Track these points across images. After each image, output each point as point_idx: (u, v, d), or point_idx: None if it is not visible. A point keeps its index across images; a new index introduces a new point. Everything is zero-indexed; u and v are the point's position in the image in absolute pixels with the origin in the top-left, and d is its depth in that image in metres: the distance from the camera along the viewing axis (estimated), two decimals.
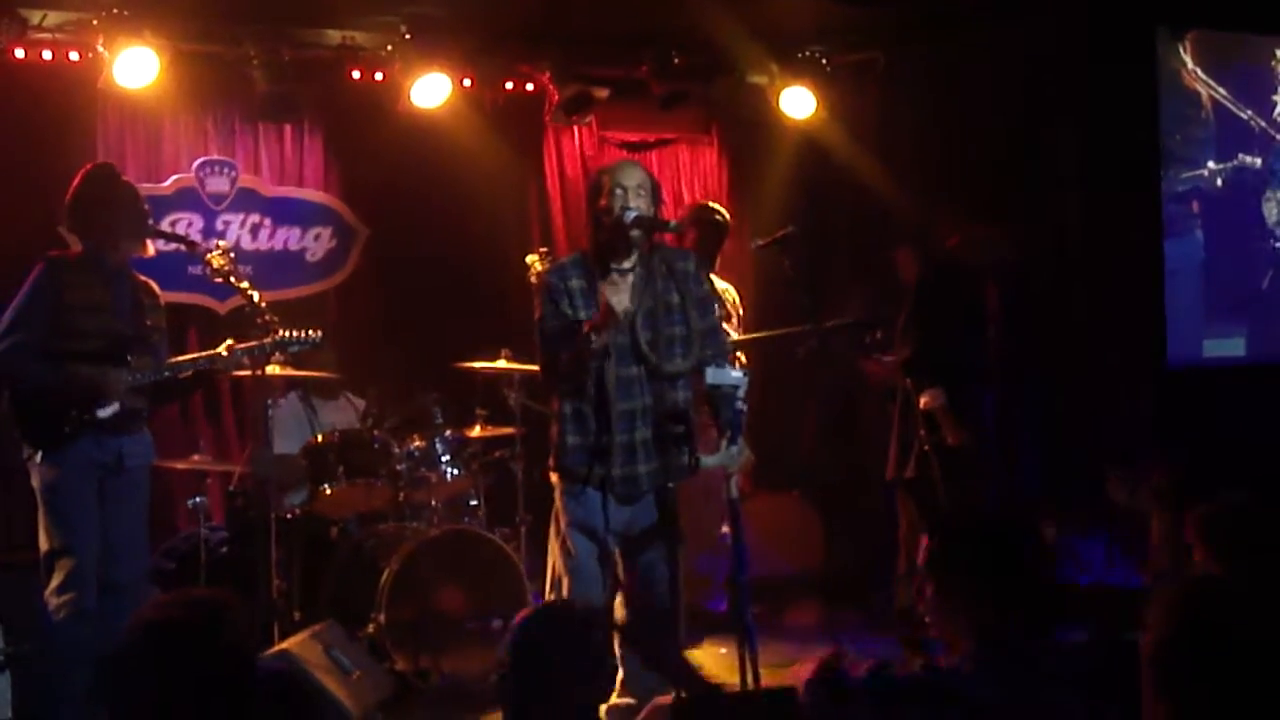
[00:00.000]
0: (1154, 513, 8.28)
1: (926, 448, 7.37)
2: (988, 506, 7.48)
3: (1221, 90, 10.35)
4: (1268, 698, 2.81)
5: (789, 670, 7.25)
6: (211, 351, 6.60)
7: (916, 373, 7.58)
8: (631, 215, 5.73)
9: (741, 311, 8.33)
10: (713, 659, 7.65)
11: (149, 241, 6.56)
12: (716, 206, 8.38)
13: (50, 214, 6.91)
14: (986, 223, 8.04)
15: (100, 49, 7.90)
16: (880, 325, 7.90)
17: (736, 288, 8.40)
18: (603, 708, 5.95)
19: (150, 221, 6.61)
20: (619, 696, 6.01)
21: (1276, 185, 10.56)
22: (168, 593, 7.28)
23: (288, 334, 6.65)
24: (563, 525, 5.84)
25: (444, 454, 7.72)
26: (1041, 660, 3.51)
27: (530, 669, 3.75)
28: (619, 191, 5.74)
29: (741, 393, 5.57)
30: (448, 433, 7.78)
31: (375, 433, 7.86)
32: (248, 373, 6.83)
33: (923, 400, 7.53)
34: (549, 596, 5.91)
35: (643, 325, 5.75)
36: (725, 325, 7.97)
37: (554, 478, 5.93)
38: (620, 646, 5.95)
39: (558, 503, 5.89)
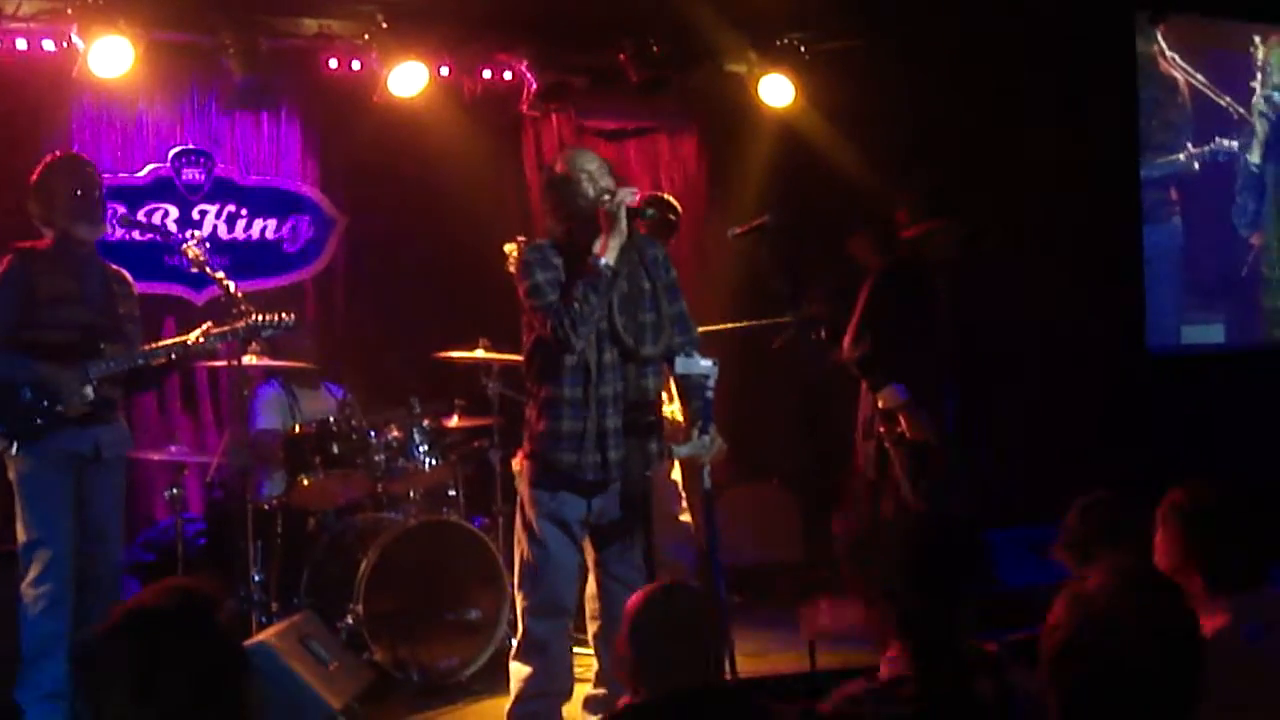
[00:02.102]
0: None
1: (888, 444, 7.37)
2: (949, 502, 7.50)
3: (1199, 76, 10.36)
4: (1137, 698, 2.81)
5: (765, 660, 7.31)
6: (184, 337, 6.58)
7: (871, 372, 7.57)
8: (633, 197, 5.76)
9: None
10: None
11: (108, 223, 6.56)
12: (671, 201, 8.34)
13: (24, 205, 6.87)
14: (945, 211, 8.01)
15: (75, 38, 7.86)
16: (826, 323, 7.85)
17: (711, 277, 8.45)
18: (580, 698, 5.98)
19: (104, 205, 6.57)
20: (595, 687, 6.01)
21: (1248, 181, 10.59)
22: (149, 583, 7.36)
23: (261, 318, 6.63)
24: (530, 515, 5.80)
25: (422, 444, 7.69)
26: (974, 661, 3.51)
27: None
28: (586, 176, 5.74)
29: (711, 382, 5.58)
30: (426, 423, 7.75)
31: (353, 423, 7.84)
32: (224, 362, 6.83)
33: (880, 400, 7.52)
34: (519, 590, 5.89)
35: (619, 309, 5.74)
36: None
37: (524, 465, 5.90)
38: (594, 638, 5.95)
39: (525, 492, 5.84)
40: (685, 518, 8.07)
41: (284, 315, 6.73)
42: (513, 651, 5.92)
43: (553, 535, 5.76)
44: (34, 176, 6.46)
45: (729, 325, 8.29)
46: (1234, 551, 3.96)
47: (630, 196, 5.69)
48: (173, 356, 6.57)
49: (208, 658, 2.99)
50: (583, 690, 6.05)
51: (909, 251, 7.78)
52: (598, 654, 5.95)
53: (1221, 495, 4.06)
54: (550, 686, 5.80)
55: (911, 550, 3.66)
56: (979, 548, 3.68)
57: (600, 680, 5.98)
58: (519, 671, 5.82)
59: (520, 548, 5.87)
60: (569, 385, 5.70)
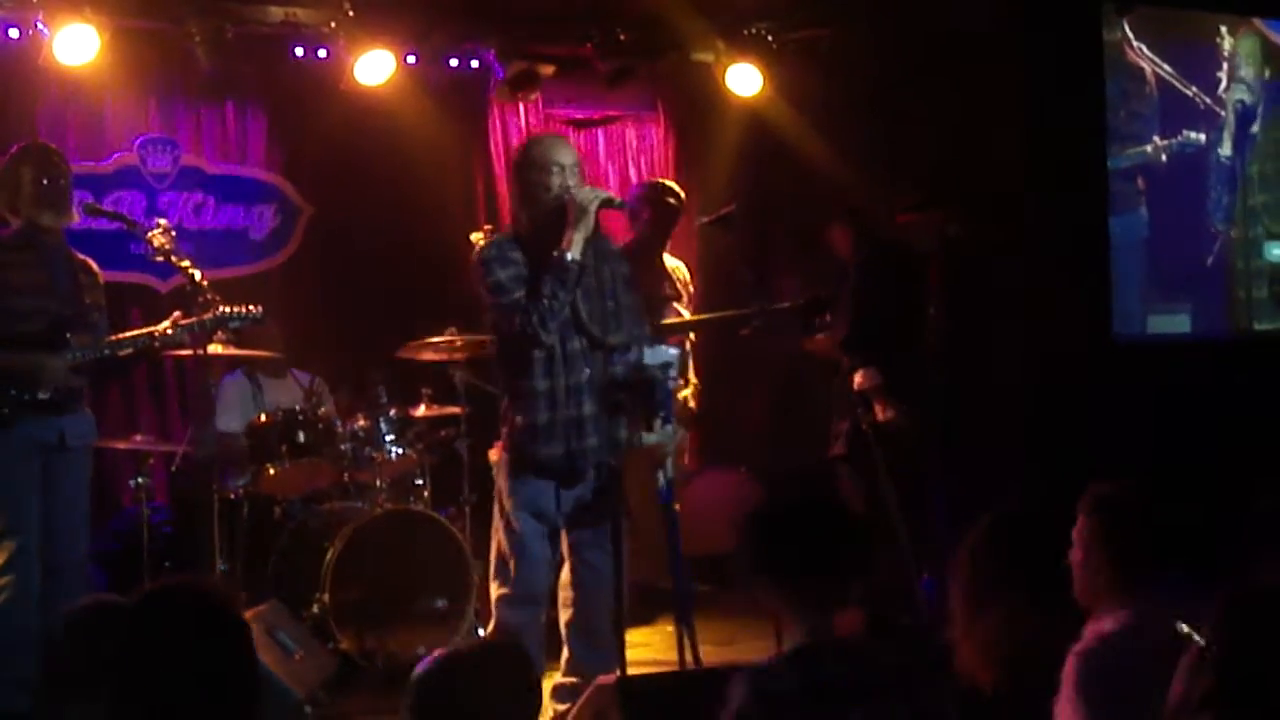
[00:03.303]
0: None
1: (864, 426, 7.38)
2: (920, 488, 7.55)
3: (1166, 67, 10.37)
4: None
5: (732, 648, 7.32)
6: (151, 328, 6.57)
7: (851, 352, 7.60)
8: (601, 196, 5.80)
9: (691, 290, 8.34)
10: (663, 637, 7.69)
11: (74, 210, 6.54)
12: (672, 186, 8.34)
13: None
14: (931, 200, 8.05)
15: (40, 26, 7.82)
16: (828, 307, 7.89)
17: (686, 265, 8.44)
18: (548, 686, 5.98)
19: (71, 194, 6.53)
20: (564, 675, 6.02)
21: (1217, 172, 10.61)
22: (114, 572, 7.34)
23: (228, 310, 6.62)
24: (508, 507, 5.83)
25: (389, 433, 7.69)
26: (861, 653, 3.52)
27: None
28: (556, 169, 5.76)
29: (674, 371, 5.60)
30: (392, 412, 7.75)
31: (319, 412, 7.83)
32: (189, 352, 6.82)
33: (856, 380, 7.55)
34: (493, 579, 5.91)
35: (583, 299, 5.77)
36: (676, 304, 8.01)
37: (501, 457, 5.92)
38: (566, 626, 5.97)
39: (502, 484, 5.88)
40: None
41: (251, 307, 6.71)
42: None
43: (529, 527, 5.80)
44: (2, 165, 6.43)
45: (700, 317, 8.28)
46: (1142, 544, 3.97)
47: (594, 200, 5.73)
48: (139, 348, 6.56)
49: (226, 673, 2.97)
50: (552, 679, 6.05)
51: (893, 238, 7.82)
52: (568, 642, 5.97)
53: (1137, 487, 4.09)
54: None
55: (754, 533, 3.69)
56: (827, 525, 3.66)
57: (569, 668, 5.99)
58: None
59: (497, 537, 5.91)
60: (539, 377, 5.74)
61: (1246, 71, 10.71)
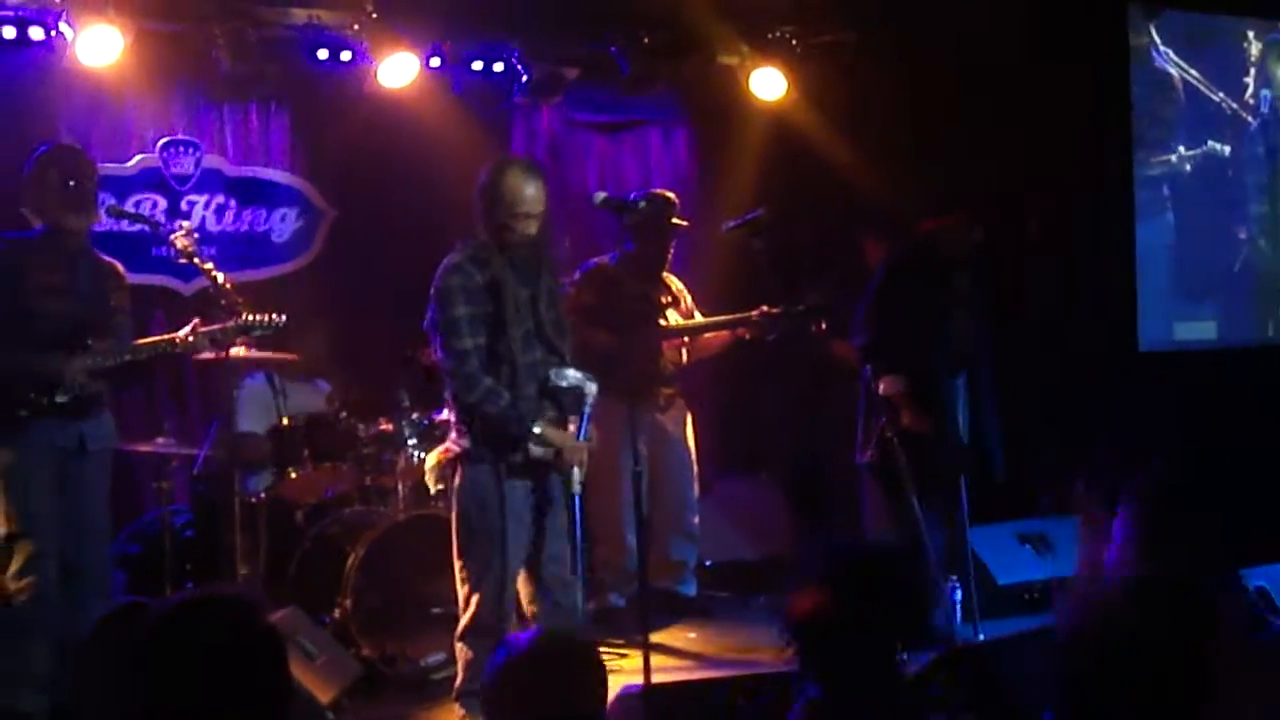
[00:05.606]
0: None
1: (889, 434, 7.34)
2: (943, 493, 7.52)
3: (1193, 72, 10.33)
4: None
5: (752, 654, 7.28)
6: (174, 335, 6.55)
7: (876, 359, 7.55)
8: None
9: (690, 299, 8.32)
10: (681, 641, 7.67)
11: (98, 212, 6.53)
12: (672, 198, 8.26)
13: (11, 196, 6.82)
14: (957, 206, 8.01)
15: (63, 27, 7.81)
16: (827, 314, 7.84)
17: (704, 272, 8.46)
18: None
19: (96, 196, 6.52)
20: None
21: (1243, 178, 10.56)
22: (135, 576, 7.32)
23: (252, 318, 6.61)
24: (480, 508, 5.96)
25: (410, 437, 7.67)
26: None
27: None
28: (527, 214, 5.92)
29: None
30: (414, 415, 7.72)
31: (341, 416, 7.80)
32: (211, 355, 6.80)
33: (882, 386, 7.51)
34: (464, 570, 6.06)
35: (546, 309, 6.01)
36: (672, 310, 8.03)
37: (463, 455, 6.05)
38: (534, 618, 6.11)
39: (473, 485, 6.00)
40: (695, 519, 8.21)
41: (274, 316, 6.70)
42: (458, 632, 6.05)
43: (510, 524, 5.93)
44: (27, 166, 6.42)
45: (706, 321, 8.25)
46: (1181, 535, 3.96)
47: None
48: (161, 352, 6.54)
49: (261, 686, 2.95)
50: None
51: (924, 244, 7.77)
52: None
53: (1179, 475, 4.07)
54: None
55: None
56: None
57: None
58: (464, 652, 6.01)
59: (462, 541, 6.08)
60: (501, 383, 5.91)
61: (1274, 76, 10.67)
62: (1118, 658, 2.86)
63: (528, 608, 6.09)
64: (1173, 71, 10.24)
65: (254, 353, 7.55)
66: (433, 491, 6.62)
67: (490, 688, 3.46)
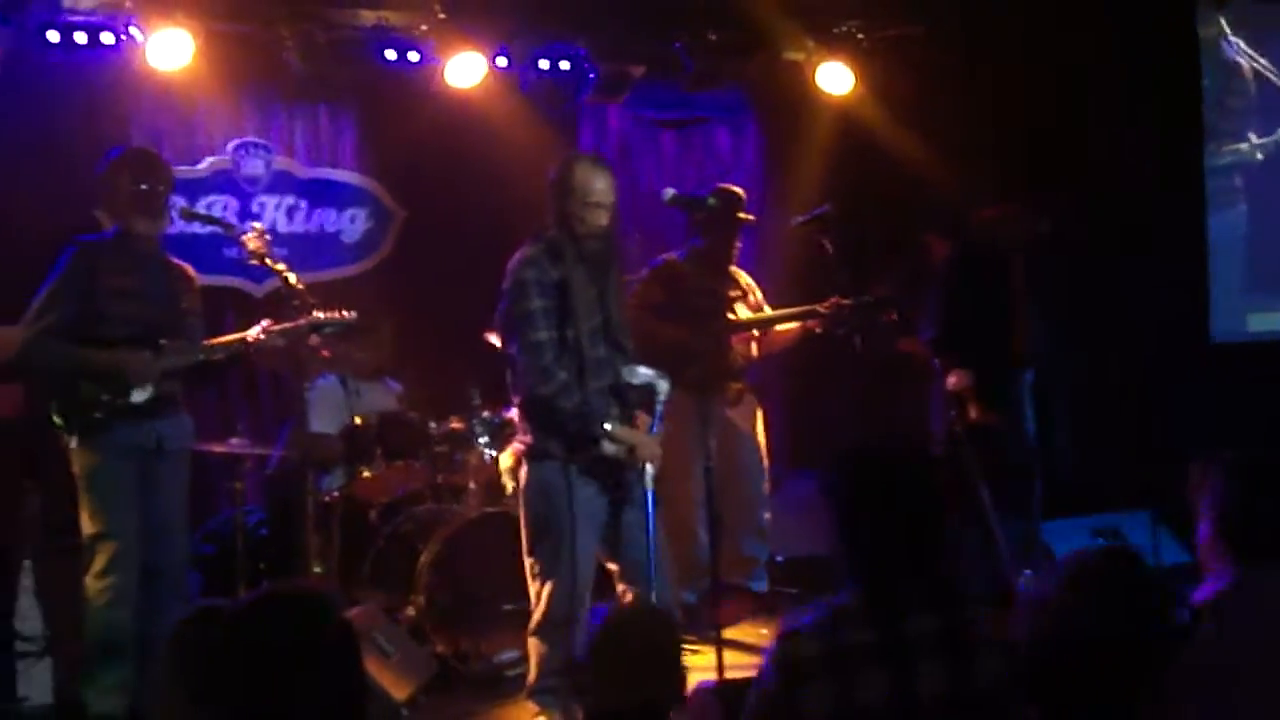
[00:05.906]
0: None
1: (957, 428, 7.31)
2: (1026, 488, 7.48)
3: (1263, 61, 10.23)
4: None
5: None
6: (245, 334, 6.59)
7: (943, 353, 7.54)
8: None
9: (759, 294, 8.30)
10: (753, 637, 7.66)
11: (169, 217, 6.59)
12: (740, 193, 8.25)
13: (85, 198, 6.88)
14: (1024, 199, 7.97)
15: (134, 31, 7.88)
16: (896, 307, 7.82)
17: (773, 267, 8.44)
18: None
19: (167, 201, 6.57)
20: None
21: None
22: (210, 576, 7.37)
23: (322, 315, 6.64)
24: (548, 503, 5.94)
25: (481, 435, 7.70)
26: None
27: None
28: (595, 205, 5.92)
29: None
30: (485, 413, 7.75)
31: (413, 414, 7.83)
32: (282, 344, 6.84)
33: (950, 381, 7.49)
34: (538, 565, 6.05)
35: (614, 304, 6.01)
36: (741, 304, 8.02)
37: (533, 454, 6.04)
38: None
39: (540, 480, 5.99)
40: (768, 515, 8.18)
41: (344, 313, 6.74)
42: (530, 628, 6.03)
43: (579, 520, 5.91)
44: (99, 169, 6.47)
45: (764, 316, 8.24)
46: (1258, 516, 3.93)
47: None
48: (233, 353, 6.58)
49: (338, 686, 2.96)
50: None
51: (982, 236, 7.73)
52: None
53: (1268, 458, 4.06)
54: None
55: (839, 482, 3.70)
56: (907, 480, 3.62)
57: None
58: (537, 648, 5.98)
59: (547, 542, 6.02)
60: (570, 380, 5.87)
61: None
62: (1078, 641, 3.04)
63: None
64: (1242, 61, 10.14)
65: (326, 354, 7.58)
66: (509, 491, 6.62)
67: (593, 641, 3.61)
